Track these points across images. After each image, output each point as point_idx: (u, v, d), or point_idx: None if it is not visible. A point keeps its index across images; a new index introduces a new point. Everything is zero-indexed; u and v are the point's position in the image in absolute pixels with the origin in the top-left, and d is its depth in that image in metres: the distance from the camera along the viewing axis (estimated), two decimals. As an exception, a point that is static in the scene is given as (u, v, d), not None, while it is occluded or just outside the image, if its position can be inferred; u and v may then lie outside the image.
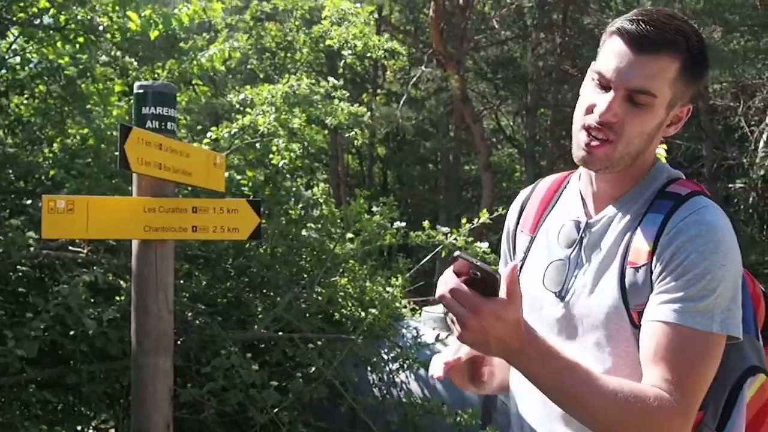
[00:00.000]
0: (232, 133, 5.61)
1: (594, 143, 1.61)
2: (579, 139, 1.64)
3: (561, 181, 1.89)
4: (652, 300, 1.56)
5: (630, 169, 1.67)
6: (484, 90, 23.31)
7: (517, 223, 1.91)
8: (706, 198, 1.63)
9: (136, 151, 3.06)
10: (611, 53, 1.61)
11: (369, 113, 7.45)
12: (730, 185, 20.52)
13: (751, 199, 20.53)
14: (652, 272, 1.58)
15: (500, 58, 22.14)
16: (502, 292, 1.42)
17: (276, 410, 4.78)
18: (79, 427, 4.95)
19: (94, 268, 4.45)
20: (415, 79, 20.09)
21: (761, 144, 19.59)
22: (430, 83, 20.14)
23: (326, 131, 6.95)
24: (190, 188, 4.80)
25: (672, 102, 1.61)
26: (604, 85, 1.61)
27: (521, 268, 1.83)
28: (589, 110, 1.63)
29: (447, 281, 1.45)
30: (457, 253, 1.46)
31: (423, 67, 19.65)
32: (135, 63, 6.32)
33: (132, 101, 3.42)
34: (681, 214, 1.59)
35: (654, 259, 1.58)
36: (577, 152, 1.65)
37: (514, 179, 23.38)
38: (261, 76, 8.16)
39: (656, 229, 1.60)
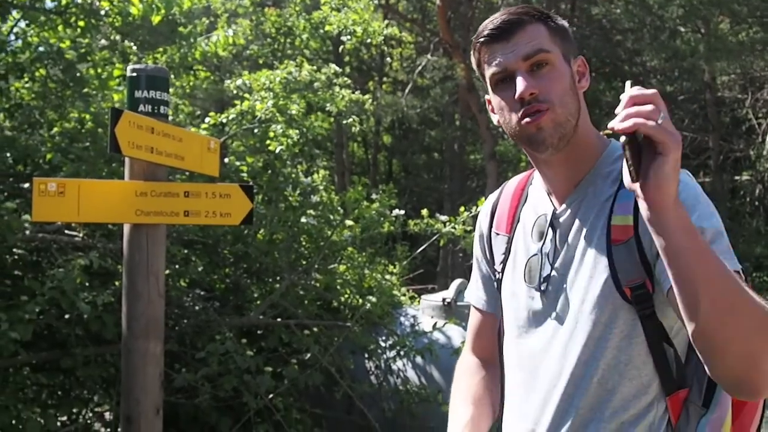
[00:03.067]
0: (230, 118, 5.59)
1: (535, 118, 1.61)
2: (524, 128, 1.64)
3: (526, 180, 1.92)
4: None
5: (577, 149, 1.67)
6: (490, 79, 23.22)
7: (491, 227, 1.93)
8: None
9: (128, 135, 3.05)
10: (492, 56, 1.66)
11: (374, 101, 7.42)
12: (736, 177, 20.45)
13: (757, 191, 20.45)
14: (640, 243, 1.57)
15: (507, 47, 22.03)
16: None
17: (271, 396, 4.79)
18: (74, 410, 4.96)
19: (90, 252, 4.45)
20: (420, 67, 20.00)
21: (768, 136, 19.52)
22: (436, 72, 20.07)
23: (332, 119, 6.94)
24: (187, 173, 4.80)
25: (565, 55, 1.65)
26: (507, 76, 1.64)
27: (503, 269, 1.86)
28: (512, 108, 1.65)
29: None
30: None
31: (429, 56, 19.58)
32: (135, 48, 6.30)
33: (128, 85, 3.41)
34: None
35: (638, 230, 1.58)
36: (531, 139, 1.64)
37: (519, 169, 23.32)
38: (261, 61, 8.13)
39: (632, 202, 1.59)
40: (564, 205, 1.72)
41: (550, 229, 1.73)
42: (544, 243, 1.74)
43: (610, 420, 1.61)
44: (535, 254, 1.75)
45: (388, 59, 23.23)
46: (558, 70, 1.63)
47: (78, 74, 5.69)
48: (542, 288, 1.71)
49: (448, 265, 18.64)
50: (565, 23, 1.69)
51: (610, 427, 1.60)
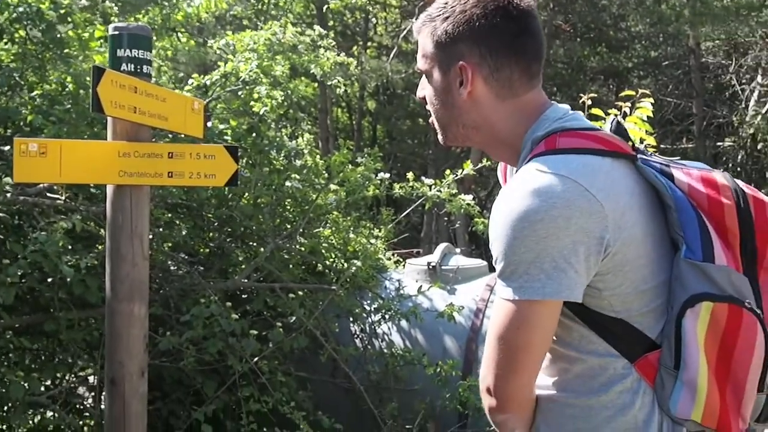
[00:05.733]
0: (214, 80, 5.52)
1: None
2: None
3: None
4: None
5: (493, 141, 1.77)
6: (475, 44, 23.07)
7: None
8: (544, 156, 1.60)
9: (110, 94, 3.00)
10: None
11: (358, 66, 7.35)
12: (719, 143, 20.50)
13: (739, 157, 20.51)
14: None
15: (492, 11, 21.88)
16: None
17: (256, 359, 4.78)
18: (58, 375, 4.94)
19: (72, 214, 4.40)
20: (405, 32, 19.83)
21: (751, 102, 19.55)
22: (420, 36, 19.90)
23: (316, 84, 6.86)
24: (171, 135, 4.74)
25: (441, 65, 1.73)
26: None
27: None
28: None
29: None
30: None
31: (414, 20, 19.43)
32: (116, 9, 6.20)
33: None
34: None
35: None
36: None
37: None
38: (245, 23, 8.03)
39: None
40: None
41: None
42: None
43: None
44: None
45: (373, 22, 23.01)
46: (433, 81, 1.75)
47: (58, 35, 5.59)
48: None
49: (432, 231, 18.67)
50: (450, 28, 1.69)
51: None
